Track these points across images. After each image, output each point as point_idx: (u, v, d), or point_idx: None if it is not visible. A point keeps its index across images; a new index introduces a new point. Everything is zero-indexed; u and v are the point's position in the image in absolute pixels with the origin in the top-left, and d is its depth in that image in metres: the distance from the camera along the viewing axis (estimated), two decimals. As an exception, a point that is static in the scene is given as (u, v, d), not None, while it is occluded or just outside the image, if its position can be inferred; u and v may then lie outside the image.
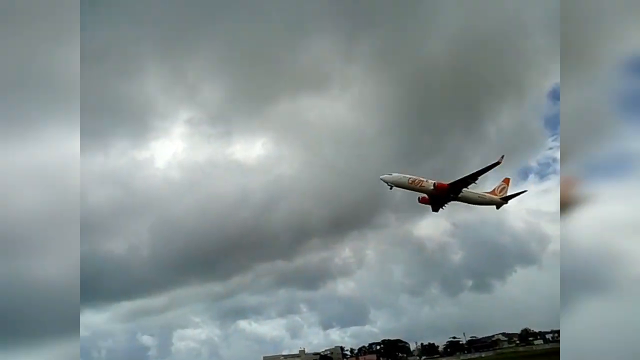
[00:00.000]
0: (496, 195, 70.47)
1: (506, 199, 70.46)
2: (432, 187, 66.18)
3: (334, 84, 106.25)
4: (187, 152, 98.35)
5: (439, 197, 68.17)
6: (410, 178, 66.18)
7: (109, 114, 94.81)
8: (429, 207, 71.43)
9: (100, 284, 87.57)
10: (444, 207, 70.95)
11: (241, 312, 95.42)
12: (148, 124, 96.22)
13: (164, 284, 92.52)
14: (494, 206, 71.79)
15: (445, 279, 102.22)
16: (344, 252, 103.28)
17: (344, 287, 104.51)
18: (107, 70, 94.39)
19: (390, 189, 65.52)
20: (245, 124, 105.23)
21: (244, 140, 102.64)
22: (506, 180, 71.53)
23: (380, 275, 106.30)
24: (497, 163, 62.91)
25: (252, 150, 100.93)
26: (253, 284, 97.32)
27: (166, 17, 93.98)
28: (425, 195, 68.44)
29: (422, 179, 66.58)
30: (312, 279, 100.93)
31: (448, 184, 66.03)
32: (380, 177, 65.77)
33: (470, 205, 72.66)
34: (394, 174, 65.81)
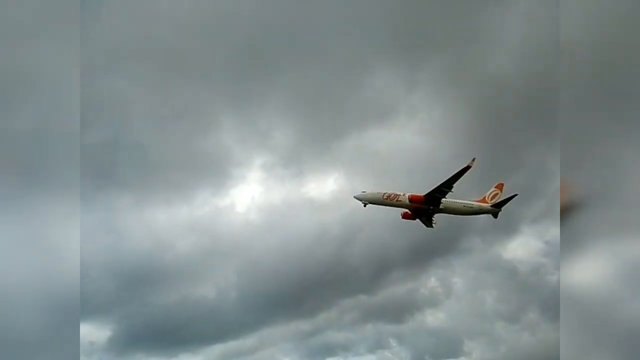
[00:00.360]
0: (486, 202, 64.84)
1: (499, 206, 64.24)
2: (408, 201, 64.33)
3: (399, 113, 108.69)
4: (264, 195, 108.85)
5: (419, 210, 65.58)
6: (385, 194, 65.19)
7: (191, 168, 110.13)
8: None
9: (193, 329, 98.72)
10: (434, 221, 67.63)
11: (330, 350, 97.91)
12: (226, 173, 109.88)
13: (252, 324, 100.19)
14: (491, 215, 65.87)
15: (544, 303, 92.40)
16: (430, 281, 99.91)
17: (433, 318, 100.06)
18: (187, 128, 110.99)
19: (365, 206, 65.39)
20: (316, 162, 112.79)
21: (317, 178, 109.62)
22: (499, 186, 65.41)
23: (471, 303, 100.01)
24: (468, 167, 59.25)
25: (325, 187, 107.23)
26: (339, 320, 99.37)
27: (234, 74, 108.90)
28: (407, 211, 66.40)
29: (397, 193, 65.11)
30: (398, 312, 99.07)
31: (424, 196, 63.51)
32: (354, 195, 66.15)
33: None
34: (368, 192, 65.61)
